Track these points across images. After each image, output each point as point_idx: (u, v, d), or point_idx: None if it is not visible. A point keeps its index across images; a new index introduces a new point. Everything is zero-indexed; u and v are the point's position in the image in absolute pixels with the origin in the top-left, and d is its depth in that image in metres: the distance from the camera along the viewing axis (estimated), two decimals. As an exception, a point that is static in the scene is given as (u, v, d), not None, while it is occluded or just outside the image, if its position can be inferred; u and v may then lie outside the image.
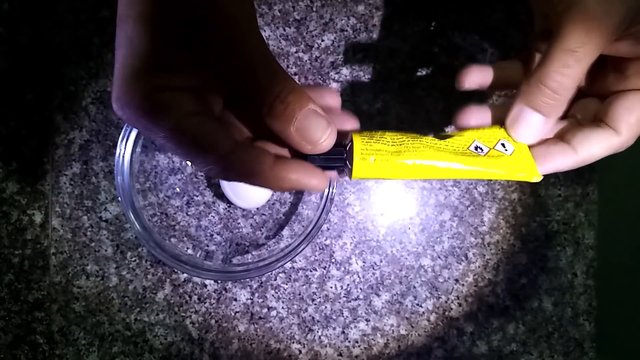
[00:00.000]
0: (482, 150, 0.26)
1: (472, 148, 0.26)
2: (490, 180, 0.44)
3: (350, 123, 0.25)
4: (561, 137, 0.27)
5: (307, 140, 0.22)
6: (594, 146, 0.25)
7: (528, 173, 0.25)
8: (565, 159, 0.26)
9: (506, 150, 0.26)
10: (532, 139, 0.26)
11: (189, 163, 0.42)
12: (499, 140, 0.26)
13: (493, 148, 0.26)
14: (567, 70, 0.23)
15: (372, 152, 0.24)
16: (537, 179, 0.25)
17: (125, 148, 0.37)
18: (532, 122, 0.25)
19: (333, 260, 0.43)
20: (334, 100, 0.25)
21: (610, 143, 0.25)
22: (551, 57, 0.23)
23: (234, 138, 0.22)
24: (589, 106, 0.28)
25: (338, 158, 0.24)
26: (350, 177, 0.24)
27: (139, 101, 0.21)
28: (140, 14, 0.21)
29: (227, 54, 0.21)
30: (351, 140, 0.24)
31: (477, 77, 0.29)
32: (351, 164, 0.24)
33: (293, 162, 0.23)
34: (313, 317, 0.43)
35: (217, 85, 0.23)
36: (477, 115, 0.28)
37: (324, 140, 0.22)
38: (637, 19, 0.23)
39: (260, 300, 0.43)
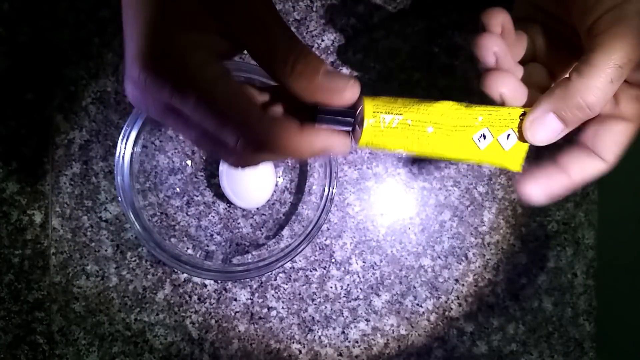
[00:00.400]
0: (485, 139, 0.26)
1: (476, 137, 0.26)
2: (491, 180, 0.44)
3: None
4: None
5: (332, 90, 0.22)
6: (587, 171, 0.27)
7: (513, 166, 0.27)
8: (556, 182, 0.27)
9: (507, 144, 0.26)
10: (546, 142, 0.26)
11: (189, 163, 0.42)
12: (508, 129, 0.26)
13: (496, 139, 0.26)
14: (610, 86, 0.23)
15: (383, 118, 0.24)
16: (517, 171, 0.27)
17: (125, 148, 0.37)
18: (554, 129, 0.25)
19: (333, 260, 0.43)
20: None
21: (599, 169, 0.27)
22: (597, 70, 0.23)
23: (260, 105, 0.23)
24: None
25: (347, 120, 0.24)
26: (357, 142, 0.24)
27: (166, 60, 0.19)
28: None
29: (249, 17, 0.21)
30: (362, 104, 0.24)
31: (505, 19, 0.27)
32: (361, 127, 0.24)
33: (317, 128, 0.23)
34: (313, 317, 0.43)
35: (234, 49, 0.23)
36: (509, 84, 0.26)
37: (349, 89, 0.22)
38: None
39: (260, 300, 0.43)
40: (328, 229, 0.43)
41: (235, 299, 0.43)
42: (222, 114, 0.20)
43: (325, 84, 0.22)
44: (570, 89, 0.23)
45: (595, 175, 0.27)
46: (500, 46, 0.26)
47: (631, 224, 0.42)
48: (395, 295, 0.43)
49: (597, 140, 0.26)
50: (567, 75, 0.24)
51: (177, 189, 0.42)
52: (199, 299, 0.43)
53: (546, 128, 0.25)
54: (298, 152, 0.22)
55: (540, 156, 0.44)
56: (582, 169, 0.26)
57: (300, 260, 0.43)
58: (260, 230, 0.43)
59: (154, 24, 0.20)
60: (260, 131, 0.21)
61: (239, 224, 0.43)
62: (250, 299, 0.43)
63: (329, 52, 0.43)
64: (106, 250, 0.42)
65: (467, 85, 0.44)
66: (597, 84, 0.23)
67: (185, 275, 0.43)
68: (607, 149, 0.26)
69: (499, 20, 0.26)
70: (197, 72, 0.20)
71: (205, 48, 0.21)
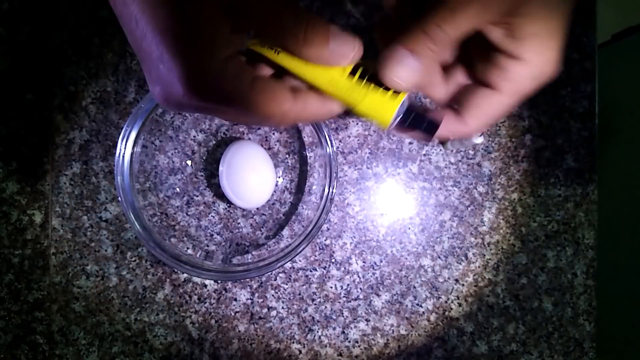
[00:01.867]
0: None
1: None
2: (490, 180, 0.44)
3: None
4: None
5: (343, 56, 0.25)
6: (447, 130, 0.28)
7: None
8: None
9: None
10: (407, 84, 0.26)
11: (189, 163, 0.42)
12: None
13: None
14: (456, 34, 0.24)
15: None
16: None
17: (125, 148, 0.37)
18: (411, 65, 0.26)
19: (333, 260, 0.43)
20: None
21: (458, 129, 0.28)
22: (435, 13, 0.24)
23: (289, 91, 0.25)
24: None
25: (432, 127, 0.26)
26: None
27: (211, 84, 0.22)
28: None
29: (258, 7, 0.22)
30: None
31: None
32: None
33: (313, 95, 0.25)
34: (313, 317, 0.43)
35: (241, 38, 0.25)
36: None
37: (356, 51, 0.26)
38: (518, 10, 0.23)
39: (260, 300, 0.43)
40: (328, 229, 0.43)
41: (235, 299, 0.43)
42: (258, 110, 0.23)
43: (336, 51, 0.25)
44: (417, 24, 0.25)
45: (455, 136, 0.28)
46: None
47: (631, 224, 0.42)
48: (395, 295, 0.43)
49: (464, 102, 0.27)
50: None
51: (177, 189, 0.42)
52: (199, 299, 0.43)
53: (403, 65, 0.26)
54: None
55: (540, 157, 0.44)
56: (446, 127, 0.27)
57: (300, 260, 0.43)
58: (260, 230, 0.43)
59: (194, 44, 0.21)
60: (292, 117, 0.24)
61: (239, 224, 0.43)
62: (250, 299, 0.43)
63: (329, 52, 0.43)
64: (106, 250, 0.42)
65: (467, 85, 0.44)
66: (435, 22, 0.24)
67: (185, 275, 0.43)
68: (470, 112, 0.27)
69: None
70: (235, 84, 0.22)
71: (233, 54, 0.23)
